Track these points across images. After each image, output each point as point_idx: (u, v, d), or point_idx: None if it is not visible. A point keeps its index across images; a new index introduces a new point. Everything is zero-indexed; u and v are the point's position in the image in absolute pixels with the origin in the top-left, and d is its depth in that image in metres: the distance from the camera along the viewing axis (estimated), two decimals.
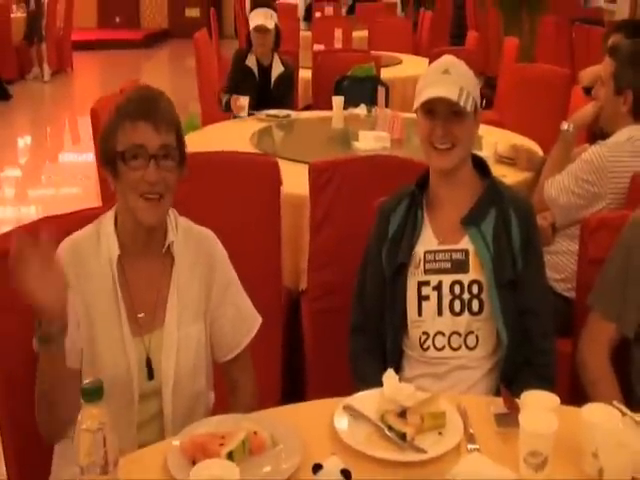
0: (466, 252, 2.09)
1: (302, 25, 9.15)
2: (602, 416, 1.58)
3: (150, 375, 1.86)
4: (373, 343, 2.20)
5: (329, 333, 2.60)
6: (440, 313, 2.09)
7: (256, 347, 2.03)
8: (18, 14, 11.83)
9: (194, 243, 1.93)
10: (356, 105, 4.85)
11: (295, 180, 2.95)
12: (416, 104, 2.09)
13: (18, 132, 9.24)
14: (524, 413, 1.57)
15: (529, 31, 8.33)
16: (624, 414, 1.66)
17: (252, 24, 5.03)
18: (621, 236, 2.17)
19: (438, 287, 2.09)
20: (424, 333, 2.11)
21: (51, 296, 1.61)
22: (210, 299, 1.93)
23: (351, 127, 4.38)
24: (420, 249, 2.13)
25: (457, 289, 2.08)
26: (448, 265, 2.09)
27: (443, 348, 2.09)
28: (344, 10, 10.85)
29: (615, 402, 1.69)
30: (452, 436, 1.64)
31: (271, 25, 4.99)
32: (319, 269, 2.74)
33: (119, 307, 1.84)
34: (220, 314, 1.95)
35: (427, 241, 2.13)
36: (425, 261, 2.11)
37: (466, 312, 2.07)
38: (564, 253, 2.91)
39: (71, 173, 7.31)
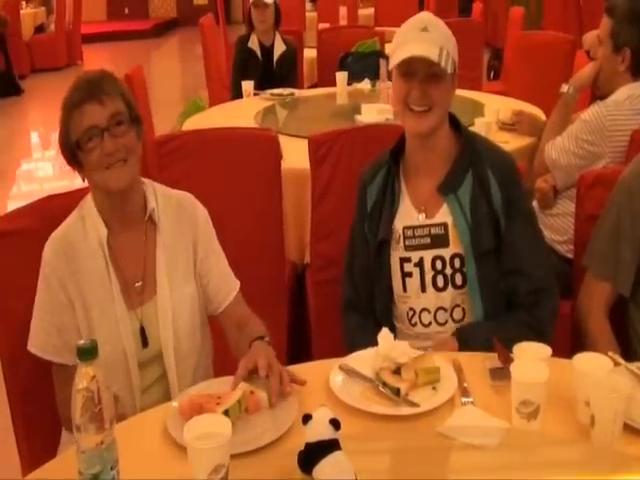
0: (445, 226, 2.03)
1: (308, 6, 9.10)
2: (593, 364, 1.60)
3: (145, 343, 1.90)
4: (366, 319, 2.16)
5: (332, 302, 2.61)
6: (424, 289, 2.05)
7: (263, 319, 2.03)
8: (28, 10, 11.92)
9: (174, 207, 1.97)
10: (360, 80, 4.85)
11: (298, 155, 2.96)
12: (392, 63, 1.99)
13: (30, 126, 9.31)
14: (516, 363, 1.58)
15: (536, 1, 8.27)
16: (618, 364, 1.68)
17: (251, 0, 5.08)
18: (611, 196, 2.17)
19: (419, 264, 2.05)
20: (410, 309, 2.08)
21: None
22: (197, 254, 1.97)
23: (355, 102, 4.37)
24: (399, 225, 2.08)
25: (439, 264, 2.03)
26: (428, 240, 2.04)
27: (430, 324, 2.07)
28: None
29: (610, 353, 1.70)
30: (446, 390, 1.66)
31: (270, 0, 5.01)
32: (321, 240, 2.75)
33: (111, 283, 1.87)
34: (207, 267, 1.99)
35: (405, 215, 2.08)
36: (404, 237, 2.07)
37: (450, 287, 2.03)
38: (565, 215, 2.90)
39: None
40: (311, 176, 2.80)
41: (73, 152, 1.82)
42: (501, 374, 1.71)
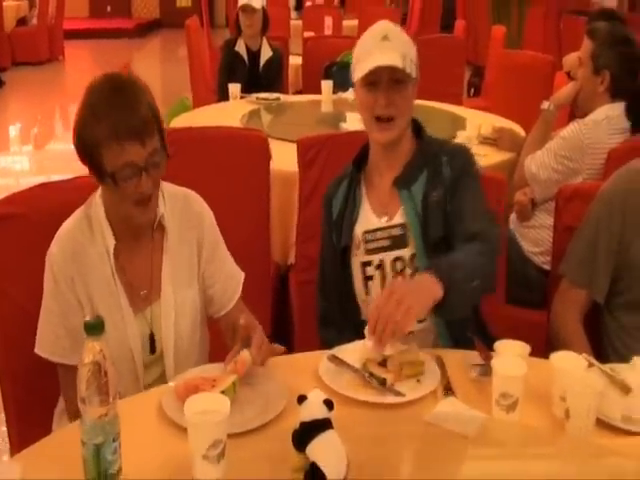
0: (403, 226, 2.06)
1: (293, 14, 9.23)
2: (569, 362, 1.69)
3: (152, 349, 1.92)
4: (342, 333, 2.11)
5: (315, 303, 2.68)
6: None
7: None
8: (10, 2, 11.92)
9: (180, 206, 1.96)
10: (345, 90, 4.93)
11: (284, 158, 3.03)
12: (357, 75, 2.02)
13: (10, 119, 9.29)
14: (497, 359, 1.67)
15: (517, 21, 8.44)
16: (591, 365, 1.77)
17: (239, 4, 5.16)
18: (591, 209, 2.26)
19: (380, 266, 2.09)
20: None
21: None
22: (202, 257, 1.97)
23: (339, 110, 4.46)
24: (359, 229, 2.12)
25: (399, 265, 2.07)
26: (387, 242, 2.07)
27: None
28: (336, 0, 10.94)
29: (584, 354, 1.79)
30: (429, 383, 1.74)
31: (258, 5, 5.10)
32: (306, 241, 2.83)
33: (118, 291, 1.88)
34: (212, 271, 1.99)
35: (365, 220, 2.12)
36: (365, 241, 2.11)
37: None
38: (542, 227, 3.02)
39: (62, 158, 7.36)
40: (299, 178, 2.87)
41: (102, 175, 1.76)
42: (482, 370, 1.79)
